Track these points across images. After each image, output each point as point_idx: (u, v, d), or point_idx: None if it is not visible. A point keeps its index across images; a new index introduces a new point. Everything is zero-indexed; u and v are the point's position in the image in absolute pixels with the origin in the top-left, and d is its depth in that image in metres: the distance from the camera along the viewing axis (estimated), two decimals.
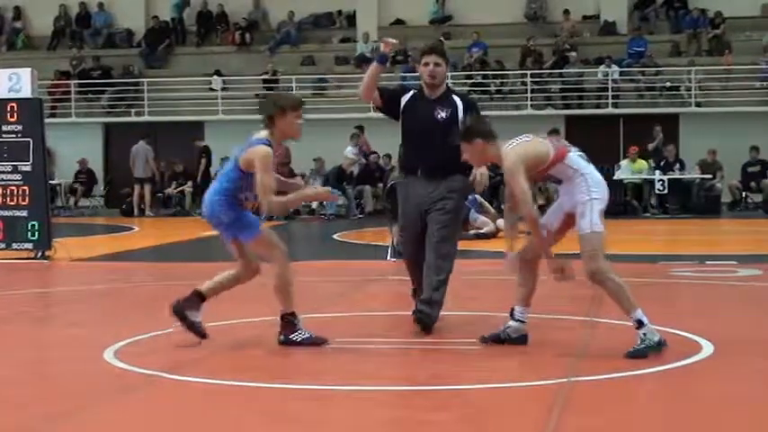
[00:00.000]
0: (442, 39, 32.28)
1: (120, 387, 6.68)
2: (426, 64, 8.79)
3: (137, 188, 28.36)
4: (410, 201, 8.73)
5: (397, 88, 9.46)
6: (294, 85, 31.39)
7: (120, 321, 9.56)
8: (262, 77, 31.94)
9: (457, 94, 8.96)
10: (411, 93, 9.03)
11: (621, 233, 20.96)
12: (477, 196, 17.99)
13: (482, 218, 18.66)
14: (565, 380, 6.59)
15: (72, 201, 30.15)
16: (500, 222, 16.66)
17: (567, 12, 32.41)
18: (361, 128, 28.56)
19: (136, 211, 28.10)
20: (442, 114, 8.69)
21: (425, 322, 8.36)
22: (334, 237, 20.12)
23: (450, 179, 8.60)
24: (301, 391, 6.56)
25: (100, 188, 31.32)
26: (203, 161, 28.96)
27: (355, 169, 27.69)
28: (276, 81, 31.93)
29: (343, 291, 11.80)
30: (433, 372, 7.09)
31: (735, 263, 13.95)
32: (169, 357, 7.52)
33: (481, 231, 18.31)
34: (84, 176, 30.44)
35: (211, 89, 32.13)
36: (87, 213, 29.00)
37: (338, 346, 7.97)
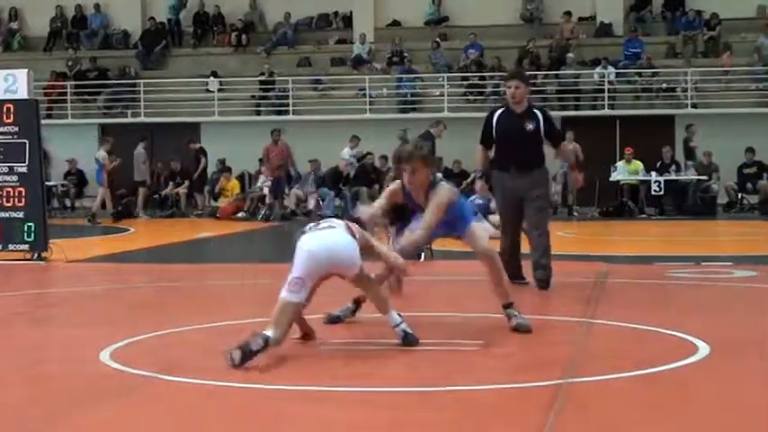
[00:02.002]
0: (437, 40, 32.33)
1: (116, 388, 6.66)
2: (509, 87, 11.28)
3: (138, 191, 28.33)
4: (508, 190, 11.32)
5: (487, 117, 11.61)
6: (290, 86, 31.39)
7: (117, 323, 9.53)
8: (258, 78, 31.92)
9: (537, 109, 11.47)
10: (501, 110, 11.48)
11: (617, 234, 20.99)
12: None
13: (487, 224, 18.29)
14: (562, 381, 6.58)
15: (67, 202, 30.12)
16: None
17: (568, 13, 32.40)
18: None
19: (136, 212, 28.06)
20: (530, 126, 11.20)
21: (546, 281, 11.14)
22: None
23: (535, 173, 11.19)
24: (297, 392, 6.55)
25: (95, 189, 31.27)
26: (203, 160, 28.93)
27: (351, 171, 27.67)
28: (272, 82, 31.92)
29: (338, 291, 11.76)
30: (430, 373, 7.07)
31: (731, 264, 13.94)
32: (165, 358, 7.50)
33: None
34: (75, 177, 30.40)
35: (208, 90, 32.11)
36: (83, 215, 28.98)
37: (334, 347, 7.95)
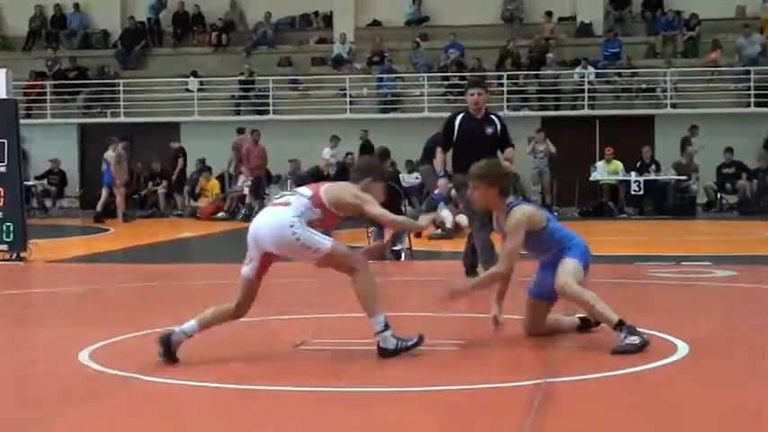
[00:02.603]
0: (418, 40, 32.33)
1: (95, 389, 6.64)
2: (472, 94, 11.98)
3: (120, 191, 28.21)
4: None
5: (448, 120, 12.21)
6: (270, 86, 31.34)
7: (96, 323, 9.50)
8: (238, 78, 31.87)
9: (494, 115, 12.19)
10: (462, 114, 12.09)
11: (597, 234, 21.01)
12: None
13: (446, 212, 18.14)
14: (542, 381, 6.58)
15: (46, 202, 29.99)
16: (460, 218, 16.61)
17: (549, 13, 32.45)
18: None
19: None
20: (490, 130, 11.87)
21: None
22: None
23: None
24: (277, 393, 6.53)
25: (75, 189, 31.21)
26: (180, 161, 28.89)
27: (332, 170, 27.63)
28: (252, 82, 31.86)
29: (317, 292, 11.76)
30: (409, 373, 7.06)
31: (710, 264, 13.98)
32: (145, 359, 7.46)
33: (438, 232, 18.09)
34: (56, 177, 30.29)
35: (188, 90, 32.04)
36: (62, 214, 28.87)
37: (314, 348, 7.93)
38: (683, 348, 7.64)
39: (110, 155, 25.96)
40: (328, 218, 7.57)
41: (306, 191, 7.61)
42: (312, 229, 7.43)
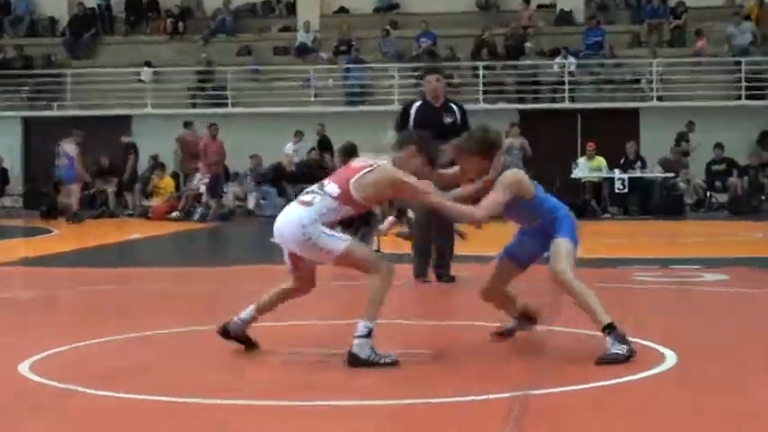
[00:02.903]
0: (388, 28, 32.29)
1: (35, 404, 6.52)
2: (429, 81, 12.32)
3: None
4: None
5: (403, 109, 12.69)
6: (230, 77, 31.23)
7: (37, 332, 9.37)
8: (195, 69, 31.75)
9: (454, 102, 12.49)
10: (419, 102, 12.43)
11: (579, 235, 21.03)
12: None
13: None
14: (519, 393, 6.53)
15: None
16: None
17: (527, 0, 32.46)
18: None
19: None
20: (449, 119, 12.13)
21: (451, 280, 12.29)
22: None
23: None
24: (237, 407, 6.44)
25: (18, 187, 31.00)
26: (132, 157, 28.74)
27: (295, 167, 27.55)
28: (210, 72, 31.77)
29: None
30: (380, 384, 7.00)
31: (699, 267, 13.99)
32: (91, 371, 7.36)
33: (405, 230, 17.93)
34: None
35: (140, 81, 31.89)
36: (4, 214, 28.68)
37: (288, 358, 7.86)
38: (670, 358, 7.62)
39: (71, 149, 25.81)
40: (361, 207, 7.73)
41: (333, 189, 7.57)
42: (326, 229, 7.50)
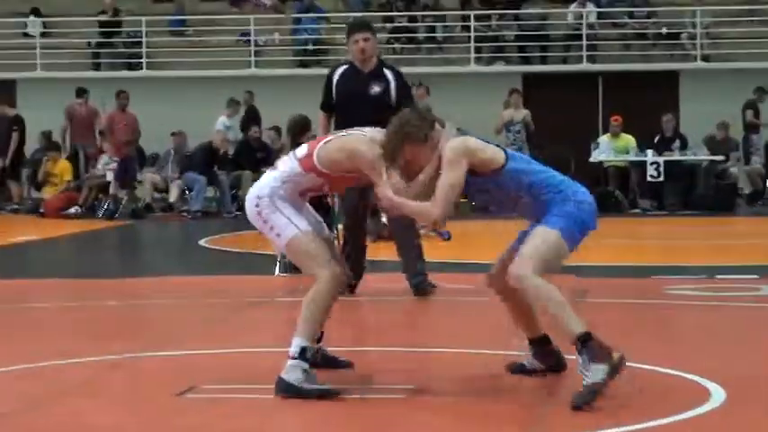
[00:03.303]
0: None
1: None
2: (356, 41, 12.30)
3: None
4: None
5: (328, 75, 12.72)
6: (144, 29, 31.17)
7: None
8: (98, 19, 31.66)
9: (388, 68, 12.46)
10: (344, 67, 12.55)
11: (600, 236, 21.06)
12: None
13: None
14: None
15: None
16: None
17: None
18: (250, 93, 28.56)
19: None
20: (377, 89, 12.21)
21: (428, 290, 12.44)
22: (201, 242, 20.00)
23: None
24: None
25: None
26: (16, 135, 28.57)
27: (230, 148, 27.50)
28: (118, 24, 31.70)
29: (212, 318, 11.72)
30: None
31: (756, 277, 14.06)
32: None
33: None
34: None
35: (26, 35, 31.81)
36: None
37: (205, 395, 7.91)
38: (718, 394, 7.67)
39: None
40: (322, 178, 7.93)
41: (302, 150, 7.99)
42: (287, 208, 7.83)
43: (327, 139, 8.00)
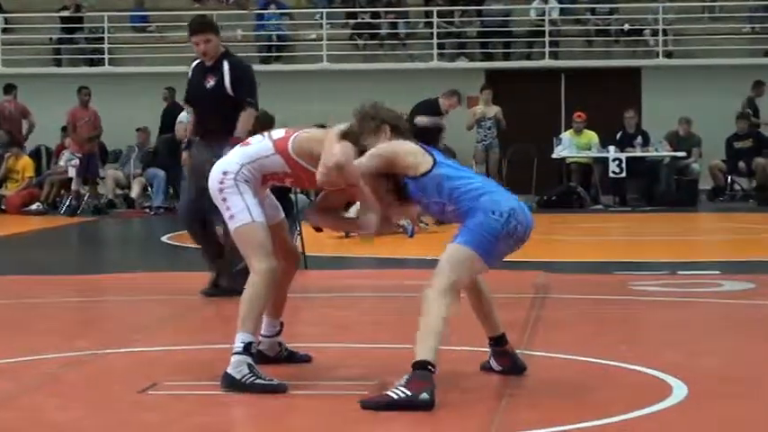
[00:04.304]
0: None
1: None
2: (198, 44, 12.43)
3: None
4: (194, 168, 12.17)
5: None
6: (106, 25, 31.06)
7: None
8: (60, 15, 31.55)
9: (228, 59, 12.55)
10: (197, 61, 12.75)
11: (562, 232, 21.10)
12: None
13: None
14: None
15: None
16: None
17: None
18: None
19: None
20: (211, 82, 12.42)
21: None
22: (164, 239, 19.95)
23: (222, 146, 11.05)
24: None
25: None
26: None
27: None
28: (80, 20, 31.58)
29: (172, 314, 11.69)
30: (300, 430, 7.04)
31: (718, 273, 14.10)
32: None
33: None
34: None
35: None
36: None
37: (167, 392, 7.89)
38: (679, 391, 7.68)
39: None
40: (290, 168, 8.04)
41: (278, 132, 8.18)
42: (249, 193, 7.95)
43: (310, 130, 8.15)
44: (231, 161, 8.04)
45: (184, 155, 12.72)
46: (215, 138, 11.99)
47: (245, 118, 12.15)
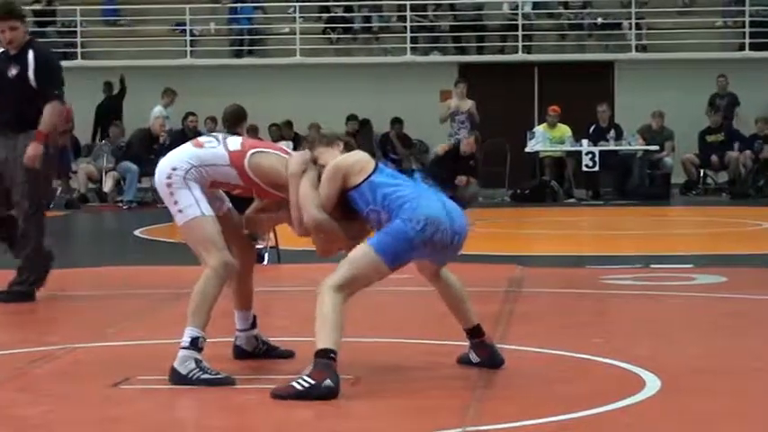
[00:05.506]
0: None
1: None
2: (2, 31, 11.82)
3: None
4: None
5: None
6: (79, 19, 30.98)
7: None
8: (32, 8, 31.42)
9: (33, 47, 12.04)
10: (1, 50, 12.18)
11: (535, 226, 21.14)
12: None
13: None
14: (459, 430, 6.58)
15: None
16: None
17: None
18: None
19: None
20: (14, 71, 11.87)
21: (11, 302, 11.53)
22: (137, 233, 19.91)
23: (21, 139, 11.62)
24: None
25: None
26: None
27: (167, 138, 27.29)
28: (53, 13, 31.48)
29: (146, 308, 11.66)
30: (274, 423, 7.02)
31: (691, 266, 14.13)
32: None
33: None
34: None
35: None
36: None
37: (140, 386, 7.87)
38: (653, 383, 7.70)
39: None
40: (245, 182, 8.05)
41: (234, 143, 8.12)
42: (196, 187, 7.94)
43: (266, 148, 8.16)
44: (181, 158, 7.98)
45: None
46: (14, 130, 11.80)
47: (50, 110, 11.75)
